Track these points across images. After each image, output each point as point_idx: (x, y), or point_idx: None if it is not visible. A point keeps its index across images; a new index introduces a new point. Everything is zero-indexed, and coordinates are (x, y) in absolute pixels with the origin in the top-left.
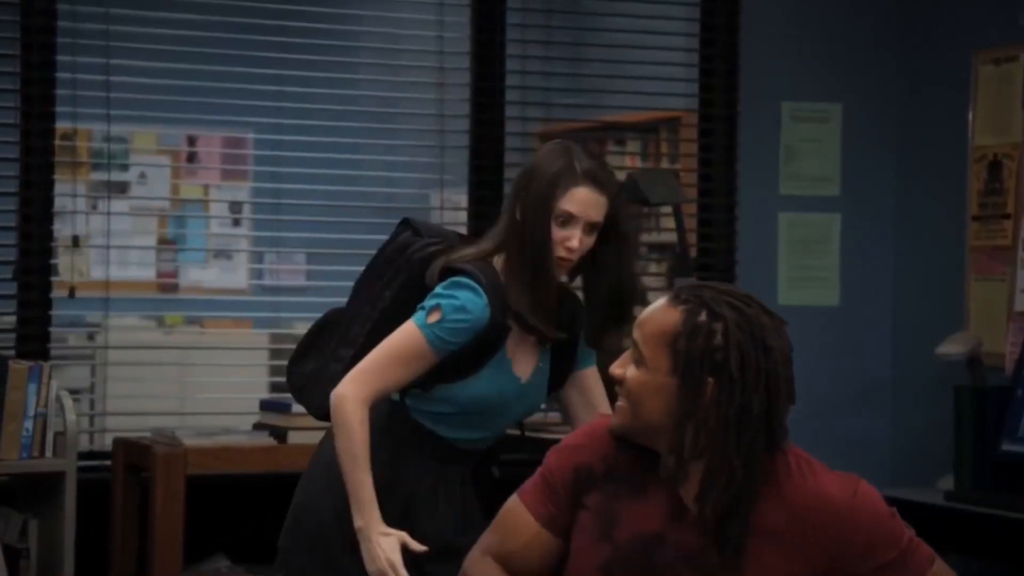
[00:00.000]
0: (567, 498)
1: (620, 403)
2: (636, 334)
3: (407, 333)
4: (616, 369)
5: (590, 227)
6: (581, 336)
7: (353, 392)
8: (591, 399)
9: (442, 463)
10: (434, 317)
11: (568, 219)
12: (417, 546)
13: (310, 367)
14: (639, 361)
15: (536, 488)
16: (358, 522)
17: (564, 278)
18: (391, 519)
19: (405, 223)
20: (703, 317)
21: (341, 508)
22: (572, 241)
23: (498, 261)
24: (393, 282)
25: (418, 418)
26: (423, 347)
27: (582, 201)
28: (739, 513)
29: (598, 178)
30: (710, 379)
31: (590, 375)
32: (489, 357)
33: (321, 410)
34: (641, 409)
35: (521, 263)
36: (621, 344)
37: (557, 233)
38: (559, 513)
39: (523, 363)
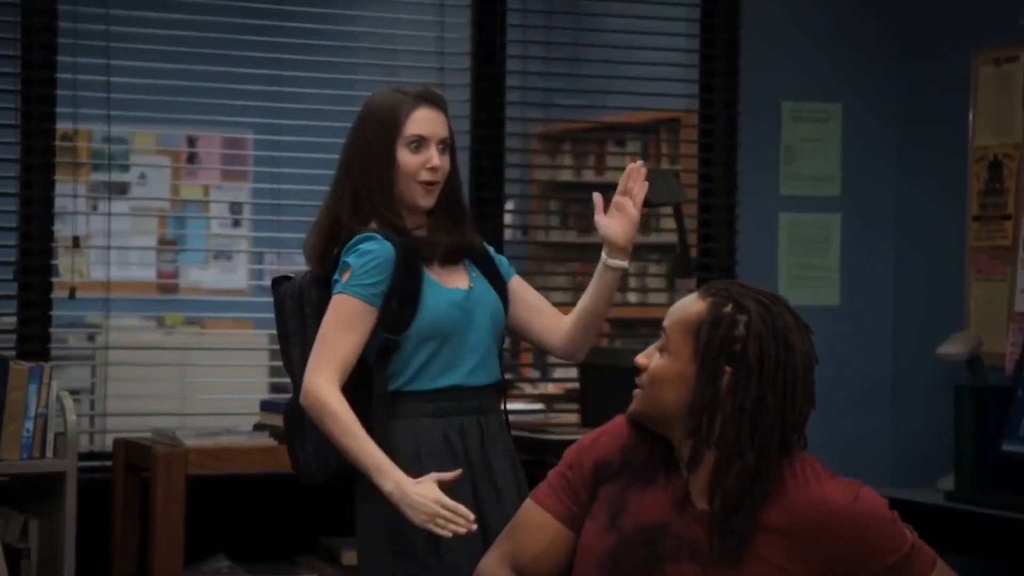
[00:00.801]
0: (588, 494)
1: (638, 390)
2: (665, 322)
3: (334, 305)
4: (641, 359)
5: (441, 146)
6: (488, 251)
7: (314, 380)
8: (531, 303)
9: (476, 414)
10: (347, 275)
11: (419, 142)
12: (449, 476)
13: (310, 447)
14: (664, 348)
15: (553, 488)
16: (387, 487)
17: (429, 203)
18: (460, 482)
19: (276, 281)
20: (728, 308)
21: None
22: (433, 160)
23: (371, 226)
24: (307, 321)
25: (416, 389)
26: (355, 305)
27: (426, 120)
28: (745, 508)
29: (431, 98)
30: (728, 368)
31: (514, 285)
32: (418, 284)
33: (347, 470)
34: (659, 395)
35: (381, 205)
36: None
37: (414, 160)
38: (580, 511)
39: (454, 279)
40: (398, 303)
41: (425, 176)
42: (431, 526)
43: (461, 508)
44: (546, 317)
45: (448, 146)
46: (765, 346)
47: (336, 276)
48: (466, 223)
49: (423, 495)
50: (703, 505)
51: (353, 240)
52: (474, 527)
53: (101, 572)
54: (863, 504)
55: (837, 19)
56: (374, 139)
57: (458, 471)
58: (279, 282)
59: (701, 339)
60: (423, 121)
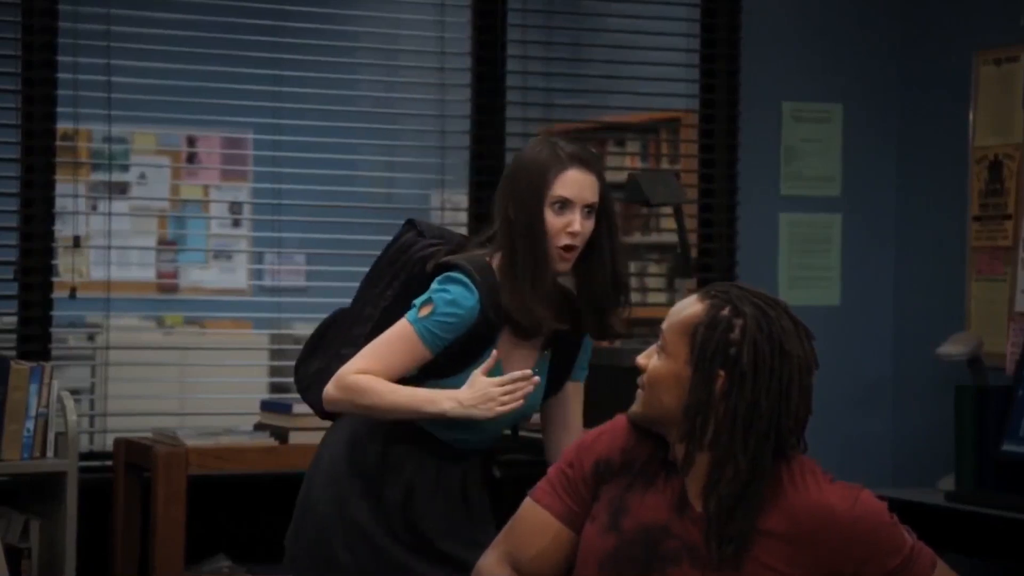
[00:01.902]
0: (588, 493)
1: (639, 391)
2: (664, 323)
3: (399, 328)
4: (641, 359)
5: (587, 210)
6: (583, 344)
7: (345, 369)
8: (566, 414)
9: (441, 459)
10: (425, 311)
11: (564, 204)
12: (488, 363)
13: (315, 367)
14: (662, 349)
15: (552, 486)
16: (445, 406)
17: (566, 268)
18: (392, 504)
19: (409, 224)
20: (725, 312)
21: (342, 501)
22: (574, 225)
23: (495, 260)
24: (395, 282)
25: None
26: (414, 342)
27: (575, 183)
28: (741, 513)
29: (585, 159)
30: (721, 372)
31: (571, 389)
32: (478, 355)
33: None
34: (657, 397)
35: (517, 259)
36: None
37: (556, 221)
38: (580, 509)
39: (517, 365)
40: (447, 359)
41: (564, 240)
42: (501, 409)
43: (515, 374)
44: (567, 436)
45: (595, 211)
46: (760, 351)
47: (417, 301)
48: (589, 309)
49: (475, 392)
50: (700, 508)
51: (454, 273)
52: (536, 379)
53: (102, 572)
54: (863, 508)
55: (837, 19)
56: (523, 194)
57: (494, 355)
58: (411, 225)
59: (696, 341)
60: (571, 183)
